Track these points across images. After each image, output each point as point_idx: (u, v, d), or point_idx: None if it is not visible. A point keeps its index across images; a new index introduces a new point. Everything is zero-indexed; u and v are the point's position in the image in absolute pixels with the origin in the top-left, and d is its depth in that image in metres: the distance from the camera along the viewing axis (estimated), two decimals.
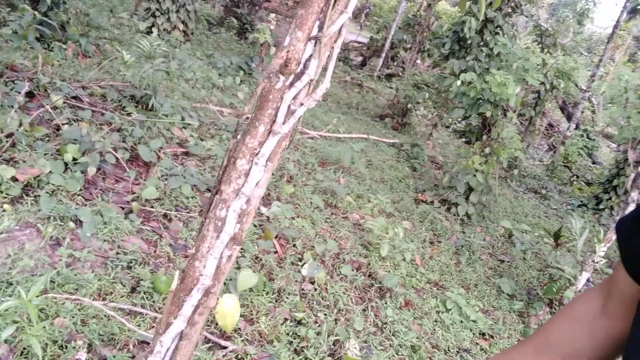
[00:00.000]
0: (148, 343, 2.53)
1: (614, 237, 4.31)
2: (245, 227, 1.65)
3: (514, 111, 6.31)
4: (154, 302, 2.81)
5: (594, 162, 14.08)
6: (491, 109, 5.98)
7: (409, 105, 9.68)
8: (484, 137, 6.30)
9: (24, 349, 2.16)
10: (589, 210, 8.52)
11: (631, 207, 4.19)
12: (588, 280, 4.44)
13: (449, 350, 3.60)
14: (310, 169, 5.62)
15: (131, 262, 3.01)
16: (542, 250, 5.79)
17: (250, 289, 3.12)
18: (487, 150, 6.24)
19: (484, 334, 4.01)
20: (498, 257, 5.60)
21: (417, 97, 9.42)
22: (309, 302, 3.39)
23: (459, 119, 8.76)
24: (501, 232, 6.21)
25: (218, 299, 1.75)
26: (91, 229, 3.09)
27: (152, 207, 3.63)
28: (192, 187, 4.01)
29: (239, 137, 1.57)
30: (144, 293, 2.82)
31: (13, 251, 2.67)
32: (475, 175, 6.13)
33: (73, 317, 2.44)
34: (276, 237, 3.94)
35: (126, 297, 2.76)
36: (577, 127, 13.43)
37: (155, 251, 3.23)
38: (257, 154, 1.52)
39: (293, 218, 4.26)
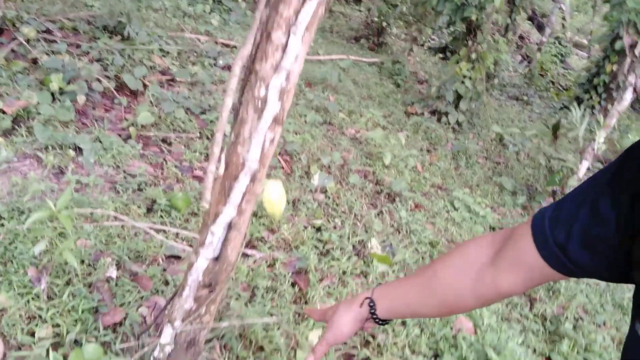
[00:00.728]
0: (178, 257, 2.46)
1: (613, 122, 4.34)
2: (286, 106, 1.54)
3: (497, 12, 6.18)
4: (172, 219, 2.72)
5: (566, 69, 14.16)
6: (476, 12, 5.83)
7: (384, 24, 9.43)
8: (469, 42, 6.19)
9: (54, 268, 2.07)
10: (571, 111, 8.59)
11: (629, 92, 4.18)
12: (588, 168, 4.51)
13: None
14: (297, 90, 5.46)
15: (141, 184, 2.89)
16: (540, 145, 5.82)
17: None
18: (473, 56, 6.15)
19: (494, 228, 4.07)
20: (493, 160, 5.64)
21: (391, 14, 9.17)
22: (324, 211, 3.35)
23: (444, 26, 8.56)
24: (492, 136, 6.23)
25: (263, 186, 1.67)
26: (93, 156, 2.94)
27: (149, 132, 3.47)
28: (186, 110, 3.85)
29: (269, 8, 1.44)
30: (161, 211, 2.73)
31: (18, 181, 2.53)
32: (463, 82, 6.06)
33: (95, 237, 2.35)
34: (279, 154, 3.85)
35: (143, 216, 2.67)
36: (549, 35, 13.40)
37: (162, 173, 3.11)
38: (293, 24, 1.39)
39: (295, 133, 4.16)
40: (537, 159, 5.84)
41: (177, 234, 2.62)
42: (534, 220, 0.82)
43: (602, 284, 3.68)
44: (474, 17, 5.81)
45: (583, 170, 4.42)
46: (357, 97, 6.01)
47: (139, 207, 2.71)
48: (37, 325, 1.80)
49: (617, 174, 0.71)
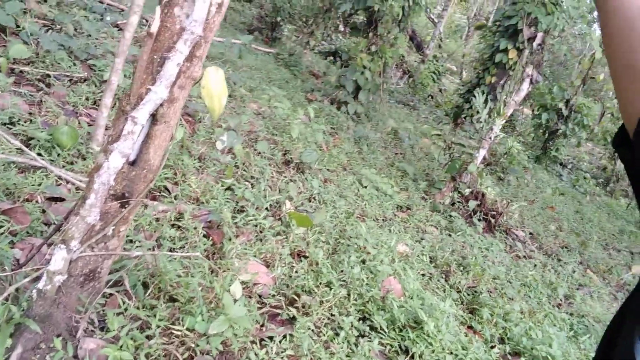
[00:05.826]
0: (62, 199, 1.97)
1: (510, 111, 4.50)
2: None
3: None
4: (54, 159, 2.21)
5: (440, 90, 15.05)
6: (379, 2, 5.84)
7: (279, 18, 9.25)
8: (370, 34, 6.19)
9: None
10: (452, 118, 9.04)
11: (526, 83, 4.37)
12: (484, 157, 4.62)
13: (377, 218, 3.48)
14: None
15: (12, 118, 2.34)
16: (441, 133, 5.93)
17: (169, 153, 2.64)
18: (373, 48, 6.15)
19: (401, 207, 3.97)
20: (392, 150, 5.63)
21: (287, 9, 9.01)
22: (234, 174, 2.99)
23: (334, 28, 8.56)
24: (388, 130, 6.25)
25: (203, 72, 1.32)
26: None
27: (24, 67, 2.88)
28: (69, 53, 3.29)
29: None
30: (40, 148, 2.21)
31: None
32: (363, 73, 6.03)
33: None
34: None
35: (16, 152, 2.13)
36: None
37: (40, 111, 2.56)
38: None
39: (197, 97, 3.74)
40: (431, 154, 5.95)
41: (59, 177, 2.12)
42: None
43: (507, 261, 3.74)
44: (376, 7, 5.82)
45: (480, 157, 4.52)
46: (256, 77, 5.71)
47: (9, 142, 2.17)
48: None
49: None
